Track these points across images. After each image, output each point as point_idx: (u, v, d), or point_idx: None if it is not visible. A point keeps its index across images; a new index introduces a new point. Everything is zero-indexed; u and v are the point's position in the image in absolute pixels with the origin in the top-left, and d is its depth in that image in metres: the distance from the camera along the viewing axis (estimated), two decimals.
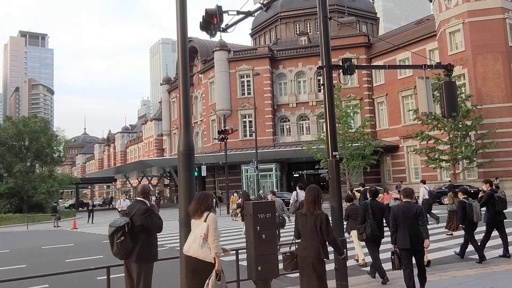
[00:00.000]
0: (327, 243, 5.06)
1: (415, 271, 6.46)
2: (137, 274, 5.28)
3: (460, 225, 9.71)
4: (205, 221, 4.75)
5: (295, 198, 16.32)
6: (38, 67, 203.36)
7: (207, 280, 4.53)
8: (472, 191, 26.50)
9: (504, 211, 9.55)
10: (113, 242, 5.19)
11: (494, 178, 29.41)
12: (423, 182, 17.18)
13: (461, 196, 9.92)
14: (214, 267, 4.61)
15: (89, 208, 33.52)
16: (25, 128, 39.92)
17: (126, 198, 23.86)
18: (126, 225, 5.21)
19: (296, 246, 5.43)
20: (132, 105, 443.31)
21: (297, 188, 16.75)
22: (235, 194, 26.88)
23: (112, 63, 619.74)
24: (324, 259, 5.00)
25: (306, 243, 5.08)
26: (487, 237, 9.61)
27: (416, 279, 6.42)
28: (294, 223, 5.39)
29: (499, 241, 11.52)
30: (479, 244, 9.25)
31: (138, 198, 5.63)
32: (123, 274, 5.49)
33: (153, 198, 28.15)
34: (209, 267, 4.65)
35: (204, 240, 4.63)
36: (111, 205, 60.29)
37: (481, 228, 10.05)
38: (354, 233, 9.02)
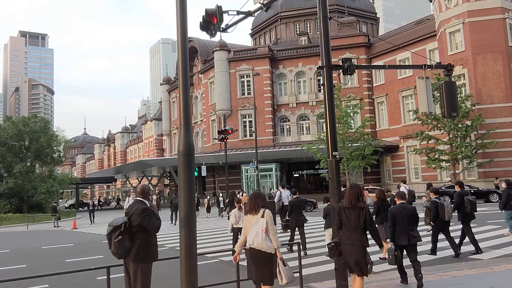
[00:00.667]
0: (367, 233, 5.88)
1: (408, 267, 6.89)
2: (134, 273, 5.30)
3: (431, 222, 10.29)
4: (262, 216, 5.38)
5: (279, 198, 16.62)
6: (38, 67, 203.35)
7: (277, 268, 5.32)
8: (472, 191, 26.71)
9: (474, 213, 10.24)
10: (111, 241, 5.24)
11: (494, 178, 29.47)
12: (403, 182, 17.69)
13: (432, 196, 10.44)
14: (276, 256, 5.33)
15: (90, 208, 32.35)
16: (25, 128, 39.90)
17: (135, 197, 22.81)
18: (124, 224, 5.25)
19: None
20: (132, 105, 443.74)
21: (279, 187, 17.09)
22: (243, 194, 24.59)
23: (112, 63, 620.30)
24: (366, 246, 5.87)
25: (350, 233, 5.80)
26: (463, 235, 10.31)
27: (410, 272, 7.11)
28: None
29: (499, 241, 11.56)
30: (455, 240, 9.96)
31: (137, 198, 5.66)
32: (123, 274, 5.49)
33: (154, 197, 27.17)
34: (270, 256, 5.31)
35: (266, 233, 5.26)
36: (118, 205, 59.77)
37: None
38: (328, 231, 9.66)
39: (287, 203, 13.67)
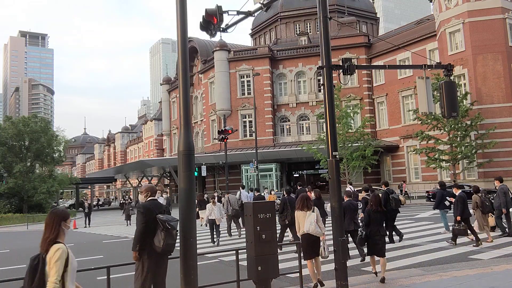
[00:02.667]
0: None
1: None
2: (135, 267, 5.54)
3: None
4: (313, 211, 7.37)
5: (239, 197, 17.86)
6: (38, 67, 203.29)
7: (321, 247, 7.33)
8: (471, 191, 26.69)
9: (398, 208, 12.42)
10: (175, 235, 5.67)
11: (494, 178, 29.44)
12: (404, 181, 18.32)
13: (364, 194, 12.66)
14: (321, 238, 7.40)
15: (86, 210, 28.39)
16: (25, 128, 39.90)
17: (161, 196, 18.51)
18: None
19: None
20: (132, 105, 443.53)
21: (240, 188, 18.20)
22: (272, 192, 22.18)
23: (112, 63, 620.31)
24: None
25: (376, 229, 7.86)
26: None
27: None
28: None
29: (499, 241, 11.56)
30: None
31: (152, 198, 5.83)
32: (123, 274, 5.51)
33: (164, 196, 22.14)
34: (318, 238, 7.37)
35: (316, 223, 7.26)
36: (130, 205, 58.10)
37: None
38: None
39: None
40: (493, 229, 12.57)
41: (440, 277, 7.58)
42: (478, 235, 11.14)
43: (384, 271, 7.64)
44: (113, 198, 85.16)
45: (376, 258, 7.99)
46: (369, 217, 7.94)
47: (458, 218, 11.07)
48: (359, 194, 13.08)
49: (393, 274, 8.10)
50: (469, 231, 11.20)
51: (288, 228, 11.88)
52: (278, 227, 13.60)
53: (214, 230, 14.06)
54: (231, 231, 16.24)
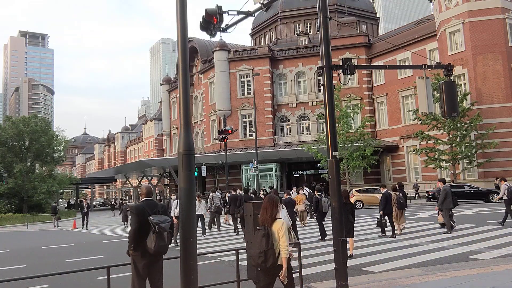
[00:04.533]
0: None
1: None
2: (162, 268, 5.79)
3: (313, 213, 14.57)
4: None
5: (211, 200, 18.72)
6: (38, 67, 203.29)
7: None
8: (472, 191, 26.76)
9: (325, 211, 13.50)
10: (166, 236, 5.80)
11: (494, 178, 29.45)
12: (400, 184, 18.76)
13: (316, 193, 14.47)
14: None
15: (84, 210, 26.56)
16: (25, 128, 39.92)
17: (199, 202, 16.87)
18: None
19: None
20: (132, 105, 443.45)
21: (210, 192, 19.53)
22: (300, 192, 20.07)
23: (112, 63, 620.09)
24: None
25: (345, 216, 9.59)
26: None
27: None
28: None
29: (499, 241, 11.57)
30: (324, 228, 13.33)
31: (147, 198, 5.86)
32: (123, 274, 5.51)
33: (173, 197, 21.03)
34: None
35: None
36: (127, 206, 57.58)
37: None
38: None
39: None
40: (442, 226, 14.20)
41: (440, 277, 7.58)
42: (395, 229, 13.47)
43: (352, 249, 10.27)
44: (114, 198, 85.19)
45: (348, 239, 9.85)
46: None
47: (381, 212, 13.25)
48: (392, 192, 14.26)
49: (393, 274, 8.09)
50: (395, 225, 13.62)
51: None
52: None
53: (200, 223, 15.95)
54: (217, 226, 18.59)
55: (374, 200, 25.79)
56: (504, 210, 15.15)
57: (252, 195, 16.59)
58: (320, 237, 13.22)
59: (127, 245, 5.59)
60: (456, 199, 14.28)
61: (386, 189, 14.18)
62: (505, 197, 15.01)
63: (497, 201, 21.59)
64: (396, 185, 14.81)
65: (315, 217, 14.72)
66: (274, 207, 4.98)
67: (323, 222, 13.49)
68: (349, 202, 10.75)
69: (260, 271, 4.93)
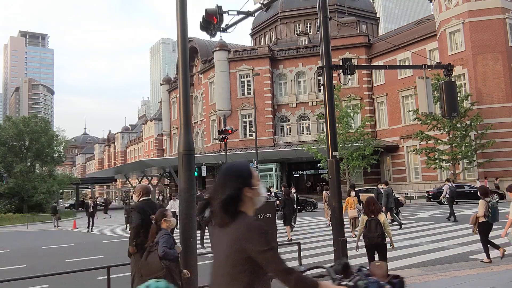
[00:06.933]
0: None
1: None
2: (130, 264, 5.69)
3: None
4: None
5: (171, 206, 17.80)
6: (38, 67, 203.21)
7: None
8: (472, 191, 26.74)
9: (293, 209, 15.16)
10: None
11: (494, 178, 29.46)
12: (386, 183, 18.92)
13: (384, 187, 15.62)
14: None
15: (90, 210, 23.84)
16: (25, 128, 39.92)
17: (176, 199, 16.72)
18: None
19: None
20: (132, 105, 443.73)
21: (172, 198, 19.06)
22: (352, 194, 15.01)
23: (113, 63, 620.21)
24: None
25: (291, 208, 13.96)
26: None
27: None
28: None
29: (499, 241, 11.54)
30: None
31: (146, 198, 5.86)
32: (123, 274, 5.52)
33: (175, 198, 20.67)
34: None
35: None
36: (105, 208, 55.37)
37: None
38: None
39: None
40: (391, 222, 14.89)
41: (440, 277, 7.58)
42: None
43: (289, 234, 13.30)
44: (114, 198, 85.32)
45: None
46: (284, 202, 13.94)
47: (383, 208, 14.04)
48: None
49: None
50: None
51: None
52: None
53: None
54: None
55: None
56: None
57: None
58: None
59: (127, 246, 5.60)
60: (397, 199, 16.84)
61: (388, 186, 15.70)
62: (447, 196, 17.90)
63: (442, 199, 23.51)
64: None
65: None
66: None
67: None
68: (289, 197, 14.23)
69: None
